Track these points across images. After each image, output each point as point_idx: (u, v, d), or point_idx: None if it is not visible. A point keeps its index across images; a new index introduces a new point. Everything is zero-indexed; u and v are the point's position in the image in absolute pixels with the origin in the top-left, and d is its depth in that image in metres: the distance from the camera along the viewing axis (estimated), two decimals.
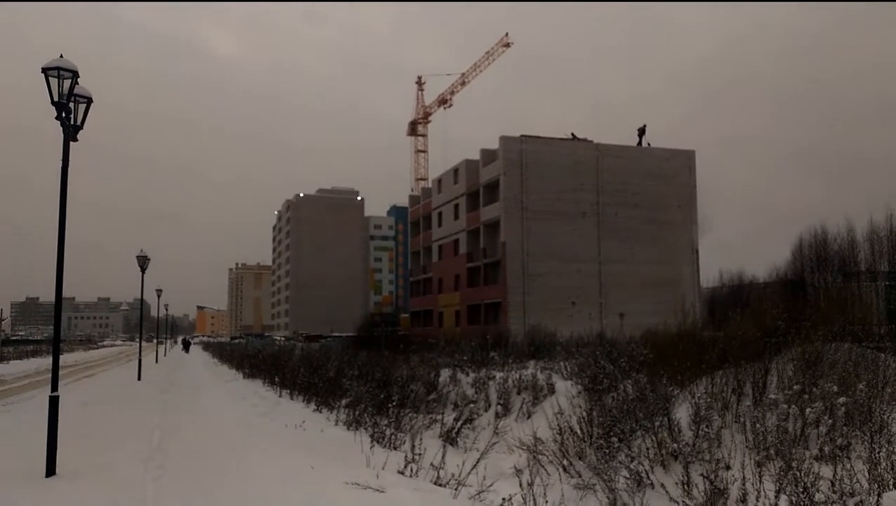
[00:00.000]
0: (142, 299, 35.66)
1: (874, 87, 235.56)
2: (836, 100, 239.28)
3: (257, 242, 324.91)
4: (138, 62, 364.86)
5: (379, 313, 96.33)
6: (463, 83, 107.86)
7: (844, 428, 9.10)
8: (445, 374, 21.44)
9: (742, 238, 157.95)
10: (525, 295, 49.66)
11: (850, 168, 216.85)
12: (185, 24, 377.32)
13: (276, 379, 22.91)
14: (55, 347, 10.16)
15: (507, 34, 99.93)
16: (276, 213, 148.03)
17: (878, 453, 7.55)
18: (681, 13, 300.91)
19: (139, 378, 29.21)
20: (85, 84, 9.36)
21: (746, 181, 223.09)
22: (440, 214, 62.55)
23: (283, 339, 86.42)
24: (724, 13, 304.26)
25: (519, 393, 17.55)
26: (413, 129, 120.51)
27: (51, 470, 8.72)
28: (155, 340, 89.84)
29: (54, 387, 9.30)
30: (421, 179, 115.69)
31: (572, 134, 54.35)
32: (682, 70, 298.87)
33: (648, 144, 54.93)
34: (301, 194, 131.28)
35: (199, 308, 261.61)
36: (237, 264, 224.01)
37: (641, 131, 55.48)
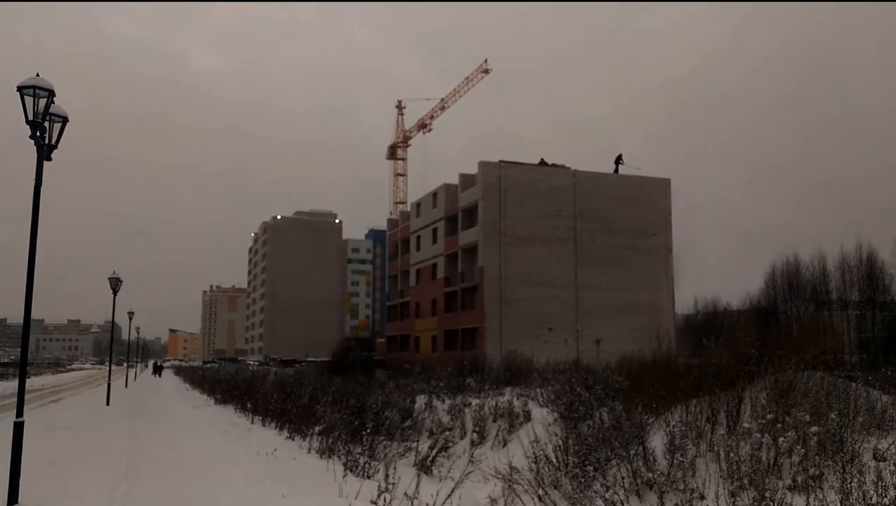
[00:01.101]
0: (113, 322, 35.04)
1: (848, 109, 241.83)
2: (808, 119, 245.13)
3: (233, 264, 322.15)
4: (120, 72, 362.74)
5: (355, 338, 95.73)
6: (443, 108, 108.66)
7: (817, 458, 9.17)
8: (421, 400, 21.30)
9: (716, 263, 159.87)
10: (502, 320, 49.66)
11: (823, 188, 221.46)
12: (165, 40, 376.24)
13: (249, 405, 22.55)
14: (21, 370, 9.92)
15: (486, 60, 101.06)
16: (252, 235, 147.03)
17: (850, 483, 7.60)
18: (654, 33, 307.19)
19: (108, 403, 28.58)
20: (64, 95, 9.26)
21: (720, 203, 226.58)
22: (418, 237, 62.57)
23: (256, 363, 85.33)
24: (697, 31, 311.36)
25: (495, 420, 17.46)
26: (392, 152, 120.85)
27: (13, 498, 8.46)
28: (125, 364, 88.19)
29: (19, 412, 9.06)
30: (399, 203, 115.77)
31: (542, 160, 54.87)
32: (656, 89, 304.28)
33: (629, 164, 55.55)
34: (278, 217, 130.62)
35: (172, 331, 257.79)
36: (212, 287, 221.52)
37: (618, 160, 56.24)
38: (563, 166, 54.92)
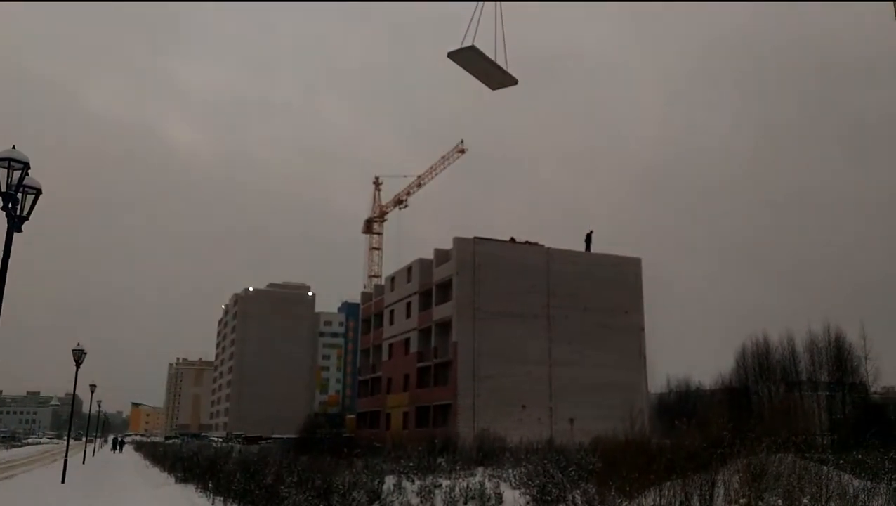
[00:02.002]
0: (74, 395, 33.89)
1: (813, 192, 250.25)
2: (775, 201, 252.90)
3: (202, 336, 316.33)
4: (94, 146, 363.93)
5: (324, 414, 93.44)
6: (419, 185, 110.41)
7: None
8: (390, 481, 20.69)
9: (688, 342, 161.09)
10: (475, 397, 49.03)
11: (791, 269, 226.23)
12: (141, 110, 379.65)
13: (211, 484, 21.69)
14: None
15: (462, 141, 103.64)
16: (223, 306, 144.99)
17: None
18: (627, 113, 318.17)
19: (63, 480, 27.29)
20: (36, 166, 9.26)
21: (691, 282, 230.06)
22: (392, 312, 62.26)
23: (220, 440, 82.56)
24: (667, 113, 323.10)
25: (465, 503, 16.99)
26: (368, 226, 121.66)
27: None
28: (84, 439, 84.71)
29: None
30: (374, 276, 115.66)
31: (512, 238, 55.55)
32: (628, 169, 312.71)
33: (602, 243, 56.37)
34: (250, 289, 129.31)
35: (135, 405, 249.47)
36: (178, 359, 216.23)
37: (588, 238, 57.03)
38: (536, 244, 55.65)
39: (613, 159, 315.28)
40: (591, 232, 57.32)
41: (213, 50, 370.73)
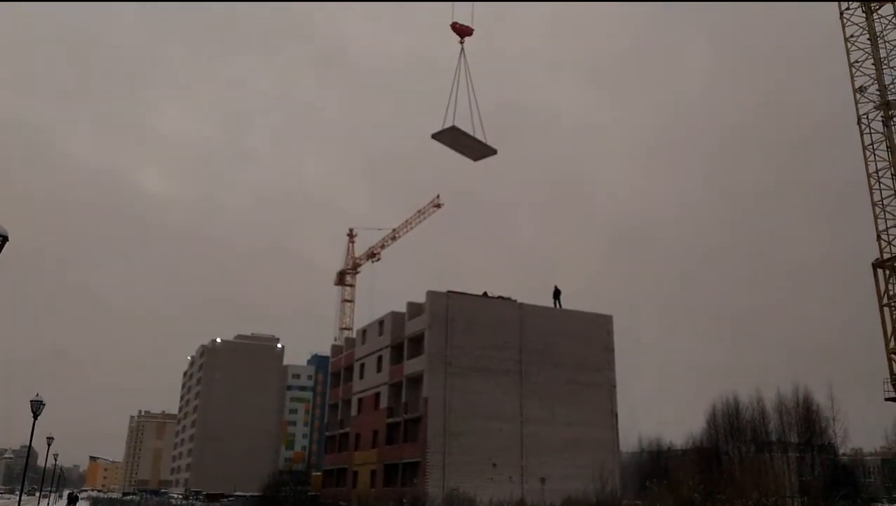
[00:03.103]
0: (30, 447, 32.51)
1: (782, 256, 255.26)
2: (744, 265, 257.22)
3: (166, 388, 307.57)
4: (54, 191, 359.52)
5: (289, 471, 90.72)
6: (394, 238, 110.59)
7: None
8: None
9: (659, 400, 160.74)
10: (445, 455, 48.03)
11: (760, 330, 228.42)
12: (112, 156, 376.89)
13: None
14: None
15: (438, 196, 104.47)
16: (189, 358, 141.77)
17: None
18: (601, 178, 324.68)
19: None
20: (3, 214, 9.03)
21: (662, 341, 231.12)
22: (363, 365, 61.34)
23: (180, 497, 79.53)
24: (640, 179, 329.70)
25: None
26: (341, 278, 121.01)
27: None
28: (38, 494, 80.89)
29: None
30: (345, 329, 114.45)
31: (485, 292, 55.55)
32: (601, 230, 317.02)
33: (560, 304, 56.26)
34: (218, 340, 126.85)
35: (93, 458, 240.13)
36: (140, 412, 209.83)
37: (556, 293, 56.92)
38: (509, 299, 55.66)
39: (586, 217, 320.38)
40: (558, 287, 57.22)
41: (188, 98, 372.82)
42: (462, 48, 22.92)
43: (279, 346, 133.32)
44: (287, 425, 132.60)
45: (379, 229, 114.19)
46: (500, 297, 55.56)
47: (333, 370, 69.94)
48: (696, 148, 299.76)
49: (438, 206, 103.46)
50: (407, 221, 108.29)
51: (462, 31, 23.35)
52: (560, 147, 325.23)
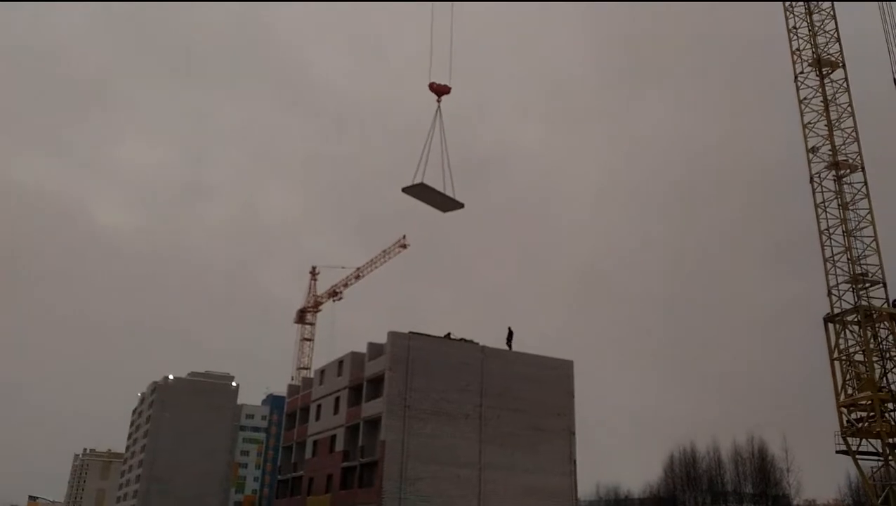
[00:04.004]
0: None
1: (738, 308, 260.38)
2: (701, 314, 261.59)
3: (114, 426, 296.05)
4: (10, 224, 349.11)
5: None
6: (357, 277, 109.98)
7: None
8: None
9: (617, 447, 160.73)
10: (401, 501, 46.94)
11: (717, 380, 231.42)
12: (65, 185, 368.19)
13: None
14: None
15: (404, 236, 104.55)
16: (139, 394, 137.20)
17: None
18: (566, 221, 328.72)
19: None
20: None
21: (621, 388, 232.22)
22: (319, 406, 60.05)
23: None
24: (606, 225, 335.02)
25: None
26: (301, 317, 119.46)
27: None
28: None
29: None
30: (303, 368, 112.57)
31: (448, 334, 55.29)
32: (562, 276, 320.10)
33: (511, 346, 55.98)
34: (170, 377, 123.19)
35: (32, 498, 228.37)
36: (85, 450, 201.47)
37: (509, 336, 56.73)
38: (471, 341, 55.44)
39: (549, 261, 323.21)
40: (511, 329, 57.05)
41: (147, 129, 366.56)
42: (438, 106, 23.37)
43: (234, 384, 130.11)
44: (238, 467, 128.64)
45: (342, 268, 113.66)
46: (462, 339, 55.34)
47: (289, 411, 68.33)
48: (658, 193, 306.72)
49: (404, 246, 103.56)
50: (371, 260, 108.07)
51: (439, 90, 23.94)
52: (524, 190, 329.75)
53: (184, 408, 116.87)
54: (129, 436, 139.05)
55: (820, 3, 48.93)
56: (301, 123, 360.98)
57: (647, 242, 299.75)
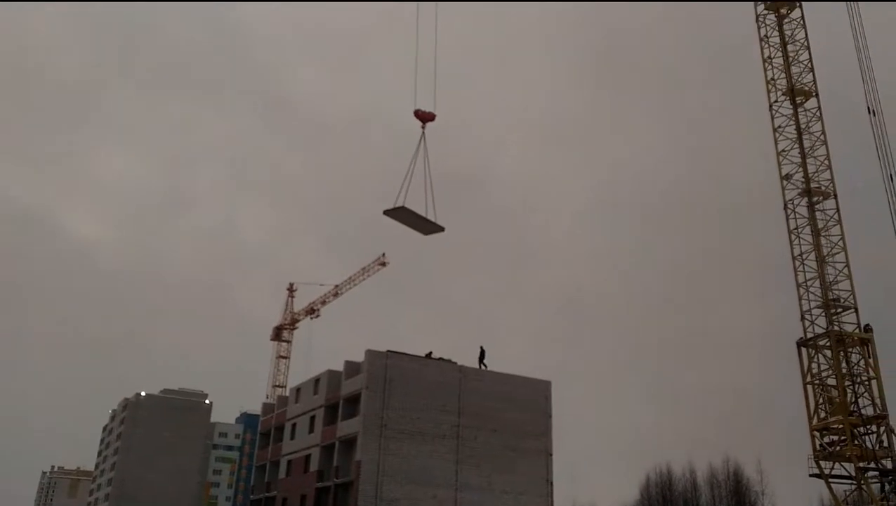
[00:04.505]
0: None
1: (717, 326, 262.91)
2: (679, 335, 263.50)
3: (84, 442, 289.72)
4: None
5: None
6: (336, 295, 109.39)
7: None
8: None
9: (593, 468, 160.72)
10: None
11: (693, 400, 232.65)
12: (39, 196, 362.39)
13: None
14: None
15: (383, 254, 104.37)
16: (110, 411, 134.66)
17: None
18: (544, 240, 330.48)
19: None
20: None
21: (598, 408, 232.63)
22: (294, 425, 59.36)
23: None
24: (584, 240, 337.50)
25: None
26: (278, 334, 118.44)
27: None
28: None
29: None
30: (279, 387, 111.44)
31: (429, 353, 55.12)
32: (540, 295, 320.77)
33: (486, 367, 55.75)
34: (142, 393, 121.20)
35: None
36: (53, 467, 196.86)
37: (481, 354, 56.40)
38: (449, 361, 55.32)
39: (529, 281, 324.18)
40: (483, 348, 56.68)
41: (126, 141, 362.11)
42: (423, 133, 23.75)
43: (207, 402, 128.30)
44: (210, 487, 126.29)
45: (321, 285, 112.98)
46: (440, 358, 55.21)
47: (263, 430, 67.46)
48: (636, 215, 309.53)
49: (384, 264, 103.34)
50: (350, 277, 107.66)
51: (424, 117, 24.33)
52: (503, 210, 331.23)
53: (155, 426, 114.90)
54: (99, 454, 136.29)
55: (794, 34, 50.25)
56: (281, 138, 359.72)
57: (624, 263, 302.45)
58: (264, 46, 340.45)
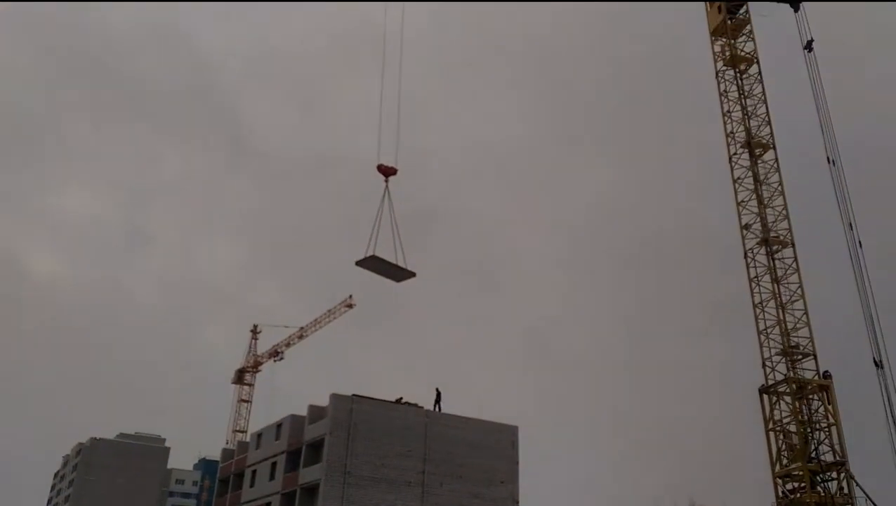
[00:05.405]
0: None
1: (676, 369, 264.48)
2: (640, 373, 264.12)
3: (34, 490, 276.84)
4: None
5: None
6: (301, 337, 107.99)
7: None
8: None
9: None
10: None
11: (657, 442, 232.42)
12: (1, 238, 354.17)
13: None
14: None
15: (350, 296, 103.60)
16: (62, 457, 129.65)
17: None
18: (511, 283, 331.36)
19: None
20: None
21: (562, 453, 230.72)
22: (254, 472, 57.81)
23: None
24: (551, 287, 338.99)
25: None
26: (240, 377, 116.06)
27: None
28: None
29: None
30: (240, 431, 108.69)
31: (399, 398, 54.52)
32: (511, 338, 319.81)
33: (440, 409, 54.88)
34: (97, 437, 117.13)
35: None
36: None
37: (437, 397, 55.66)
38: (416, 405, 54.74)
39: (496, 323, 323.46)
40: (439, 390, 55.96)
41: (86, 175, 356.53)
42: (386, 186, 24.68)
43: (165, 446, 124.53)
44: None
45: (286, 327, 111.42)
46: (404, 402, 54.60)
47: (222, 476, 65.55)
48: (601, 257, 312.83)
49: (350, 306, 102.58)
50: (316, 319, 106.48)
51: (387, 171, 25.52)
52: (471, 250, 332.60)
53: (110, 472, 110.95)
54: (49, 501, 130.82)
55: (752, 89, 52.22)
56: (244, 175, 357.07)
57: (593, 303, 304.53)
58: (229, 80, 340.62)
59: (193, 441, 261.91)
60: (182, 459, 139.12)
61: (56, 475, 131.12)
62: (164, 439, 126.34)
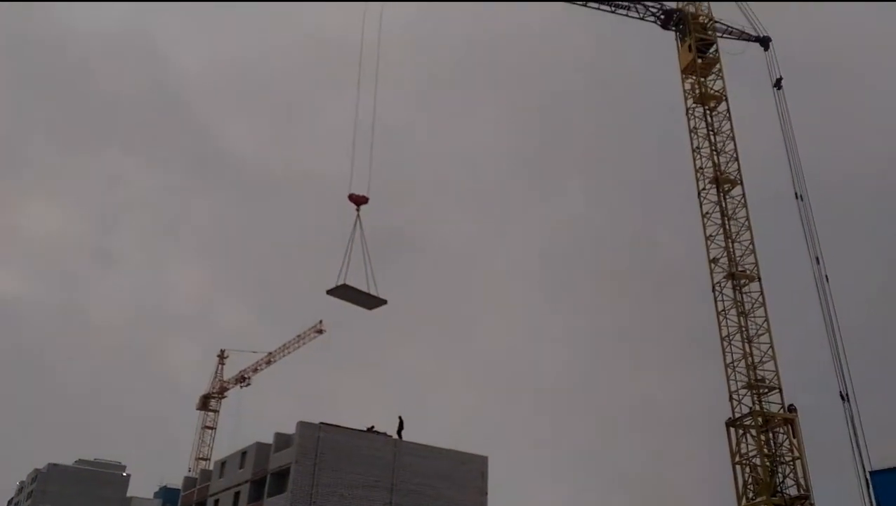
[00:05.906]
0: None
1: (645, 405, 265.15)
2: (607, 408, 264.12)
3: None
4: None
5: None
6: (269, 362, 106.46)
7: None
8: None
9: None
10: None
11: (622, 478, 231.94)
12: None
13: None
14: None
15: (321, 321, 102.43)
16: (17, 484, 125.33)
17: None
18: (481, 309, 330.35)
19: None
20: None
21: (533, 487, 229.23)
22: (217, 501, 56.39)
23: None
24: (517, 313, 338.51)
25: None
26: (205, 402, 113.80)
27: None
28: None
29: None
30: (203, 459, 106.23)
31: (371, 427, 53.85)
32: (480, 366, 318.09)
33: (401, 438, 54.10)
34: (54, 463, 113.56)
35: None
36: None
37: (400, 426, 54.90)
38: (385, 434, 54.09)
39: (468, 350, 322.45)
40: (402, 418, 55.19)
41: (50, 194, 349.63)
42: (357, 215, 24.91)
43: (125, 474, 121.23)
44: None
45: (253, 352, 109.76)
46: (375, 431, 53.97)
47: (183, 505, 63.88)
48: (572, 283, 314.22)
49: (321, 331, 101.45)
50: (285, 345, 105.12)
51: (358, 200, 25.76)
52: (443, 274, 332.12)
53: (66, 499, 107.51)
54: None
55: (721, 126, 53.48)
56: (214, 197, 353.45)
57: (561, 336, 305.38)
58: (198, 97, 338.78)
59: (155, 469, 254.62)
60: (142, 487, 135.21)
61: (10, 503, 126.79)
62: (124, 467, 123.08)
